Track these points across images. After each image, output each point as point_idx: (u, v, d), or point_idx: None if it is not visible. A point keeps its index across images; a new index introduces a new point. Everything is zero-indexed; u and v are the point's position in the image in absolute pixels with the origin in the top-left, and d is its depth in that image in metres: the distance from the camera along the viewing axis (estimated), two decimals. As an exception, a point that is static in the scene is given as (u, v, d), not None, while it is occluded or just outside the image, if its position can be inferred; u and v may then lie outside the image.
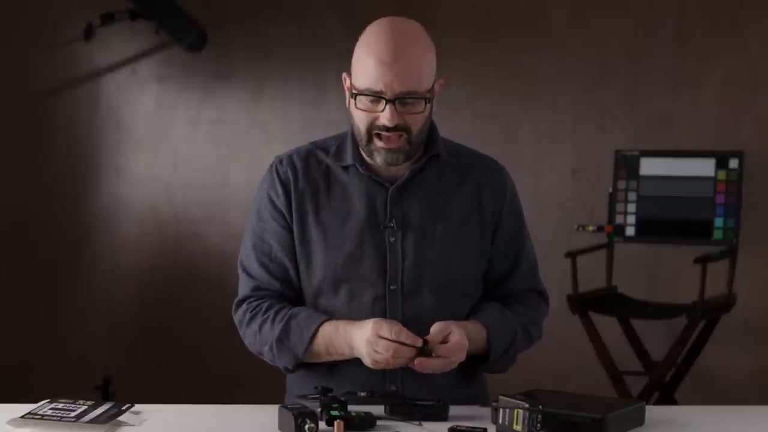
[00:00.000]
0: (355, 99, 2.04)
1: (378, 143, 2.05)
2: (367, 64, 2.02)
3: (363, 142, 2.07)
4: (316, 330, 2.05)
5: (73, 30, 5.22)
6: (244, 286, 2.18)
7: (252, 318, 2.13)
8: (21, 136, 5.31)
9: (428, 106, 2.06)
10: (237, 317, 2.18)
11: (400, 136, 2.04)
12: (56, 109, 5.36)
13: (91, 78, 5.34)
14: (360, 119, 2.06)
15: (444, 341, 2.00)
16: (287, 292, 2.15)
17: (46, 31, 5.31)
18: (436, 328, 2.01)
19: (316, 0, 5.16)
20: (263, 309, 2.12)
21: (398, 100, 2.01)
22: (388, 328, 1.95)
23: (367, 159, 2.11)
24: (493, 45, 4.93)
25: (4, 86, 5.28)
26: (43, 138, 5.35)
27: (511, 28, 4.93)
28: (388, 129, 2.02)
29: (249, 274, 2.17)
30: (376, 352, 1.96)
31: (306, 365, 2.12)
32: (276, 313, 2.10)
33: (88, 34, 5.21)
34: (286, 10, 5.17)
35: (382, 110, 2.01)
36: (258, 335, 2.12)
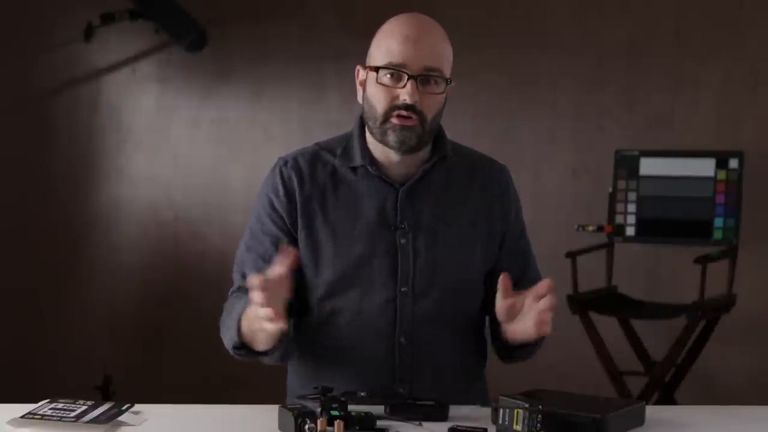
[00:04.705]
0: (377, 72, 2.02)
1: (394, 120, 2.02)
2: (390, 42, 2.03)
3: (378, 122, 2.04)
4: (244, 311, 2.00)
5: (73, 30, 5.21)
6: (235, 283, 2.18)
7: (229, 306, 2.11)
8: (21, 136, 5.31)
9: (447, 88, 2.05)
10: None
11: (416, 118, 2.02)
12: (56, 109, 5.36)
13: (91, 78, 5.34)
14: (378, 98, 2.03)
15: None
16: None
17: (46, 31, 5.31)
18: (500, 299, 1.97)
19: (315, 0, 5.16)
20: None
21: (420, 77, 2.00)
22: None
23: (377, 151, 2.09)
24: (493, 45, 4.92)
25: (4, 86, 5.27)
26: (43, 138, 5.35)
27: (511, 29, 4.93)
28: (407, 107, 2.01)
29: (241, 273, 2.16)
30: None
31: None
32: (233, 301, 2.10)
33: (88, 34, 5.21)
34: (286, 10, 5.17)
35: (403, 86, 2.01)
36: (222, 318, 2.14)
